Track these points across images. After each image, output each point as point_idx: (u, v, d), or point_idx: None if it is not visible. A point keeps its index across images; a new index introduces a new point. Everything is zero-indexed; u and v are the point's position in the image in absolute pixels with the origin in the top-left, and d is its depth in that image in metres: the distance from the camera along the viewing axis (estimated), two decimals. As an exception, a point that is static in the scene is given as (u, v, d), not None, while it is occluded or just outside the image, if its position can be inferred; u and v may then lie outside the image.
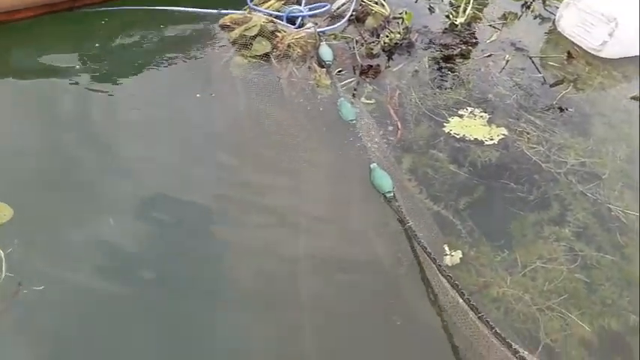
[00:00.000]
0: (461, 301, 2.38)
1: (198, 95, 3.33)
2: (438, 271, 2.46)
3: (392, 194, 2.78)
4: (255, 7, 3.97)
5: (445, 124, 3.27)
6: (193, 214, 2.73)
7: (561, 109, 3.51)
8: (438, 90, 3.54)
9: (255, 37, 3.60)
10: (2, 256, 2.32)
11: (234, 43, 3.66)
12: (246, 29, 3.65)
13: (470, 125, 3.27)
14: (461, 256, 2.64)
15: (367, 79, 3.54)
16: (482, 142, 3.19)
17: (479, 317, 2.27)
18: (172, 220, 2.70)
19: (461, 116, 3.34)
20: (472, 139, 3.19)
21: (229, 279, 2.54)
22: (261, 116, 3.20)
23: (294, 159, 2.99)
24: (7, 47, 3.54)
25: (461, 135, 3.21)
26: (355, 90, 3.48)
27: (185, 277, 2.50)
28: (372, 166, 2.91)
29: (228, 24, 3.80)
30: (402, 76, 3.61)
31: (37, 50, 3.55)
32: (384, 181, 2.83)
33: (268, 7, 3.97)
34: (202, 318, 2.36)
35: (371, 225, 2.76)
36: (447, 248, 2.65)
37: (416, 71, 3.67)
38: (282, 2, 4.00)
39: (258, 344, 2.33)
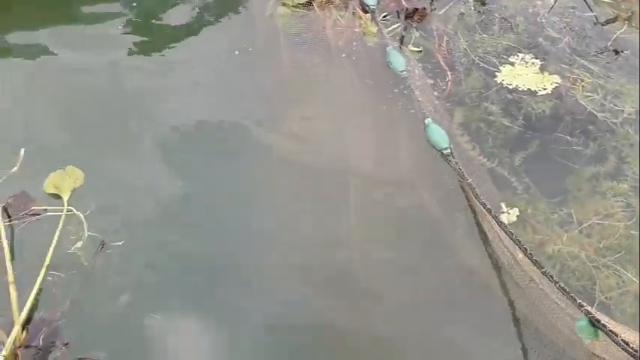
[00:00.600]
0: (521, 256, 2.35)
1: (244, 50, 3.19)
2: (498, 227, 2.42)
3: (449, 150, 2.68)
4: None
5: (497, 73, 3.12)
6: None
7: (616, 52, 3.32)
8: (485, 35, 3.35)
9: None
10: (82, 217, 2.41)
11: None
12: None
13: (522, 74, 3.11)
14: (518, 213, 2.60)
15: (413, 24, 3.37)
16: (535, 92, 3.05)
17: (542, 272, 2.23)
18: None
19: (512, 64, 3.17)
20: (525, 89, 3.05)
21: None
22: (307, 69, 3.09)
23: (341, 114, 2.90)
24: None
25: (513, 85, 3.06)
26: (403, 36, 3.32)
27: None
28: (426, 121, 2.79)
29: None
30: (448, 19, 3.41)
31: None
32: (440, 136, 2.73)
33: None
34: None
35: (426, 182, 2.71)
36: (504, 206, 2.61)
37: (462, 14, 3.47)
38: None
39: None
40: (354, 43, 3.23)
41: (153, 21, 3.45)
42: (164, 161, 2.72)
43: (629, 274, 2.48)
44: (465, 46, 3.25)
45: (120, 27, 3.34)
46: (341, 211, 2.59)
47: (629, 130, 2.93)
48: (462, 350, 2.25)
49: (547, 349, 2.23)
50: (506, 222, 2.56)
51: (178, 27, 3.41)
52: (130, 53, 3.22)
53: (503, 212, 2.59)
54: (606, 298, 2.43)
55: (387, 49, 3.13)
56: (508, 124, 2.90)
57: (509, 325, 2.34)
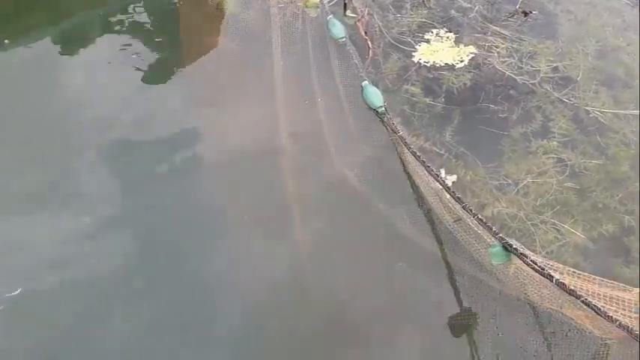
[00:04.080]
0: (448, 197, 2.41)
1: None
2: (426, 173, 2.50)
3: (383, 109, 2.81)
4: None
5: (413, 53, 3.16)
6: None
7: (525, 13, 3.41)
8: (399, 15, 3.38)
9: None
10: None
11: None
12: None
13: (438, 50, 3.16)
14: (454, 179, 2.67)
15: None
16: (453, 66, 3.10)
17: (462, 207, 2.28)
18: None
19: (428, 41, 3.22)
20: (443, 64, 3.10)
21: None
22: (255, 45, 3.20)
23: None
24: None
25: (431, 62, 3.11)
26: (345, 3, 3.40)
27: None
28: (362, 83, 2.92)
29: None
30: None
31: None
32: (375, 96, 2.84)
33: None
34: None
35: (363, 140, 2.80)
36: (443, 172, 2.67)
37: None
38: None
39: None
40: (297, 16, 3.33)
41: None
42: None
43: (566, 226, 2.57)
44: (380, 27, 3.28)
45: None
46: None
47: (548, 88, 3.02)
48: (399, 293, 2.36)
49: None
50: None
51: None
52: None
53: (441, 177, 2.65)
54: (547, 252, 2.51)
55: (328, 18, 3.24)
56: (431, 102, 2.94)
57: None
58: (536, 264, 2.03)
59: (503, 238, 2.15)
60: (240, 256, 2.47)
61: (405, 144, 2.56)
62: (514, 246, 2.12)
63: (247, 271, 2.43)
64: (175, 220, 2.59)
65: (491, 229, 2.19)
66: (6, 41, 3.24)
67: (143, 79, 3.12)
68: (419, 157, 2.46)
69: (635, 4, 3.45)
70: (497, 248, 2.16)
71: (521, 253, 2.08)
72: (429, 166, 2.43)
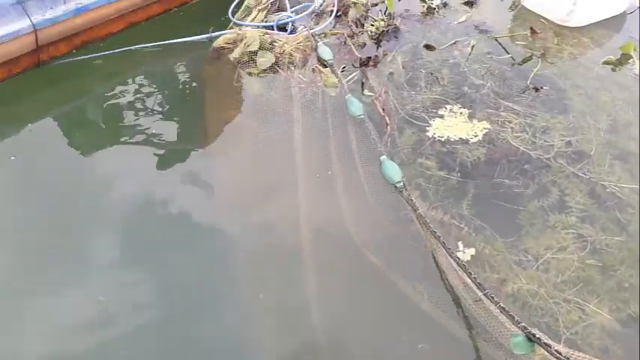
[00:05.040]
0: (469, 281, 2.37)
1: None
2: (448, 255, 2.47)
3: (402, 184, 2.82)
4: (239, 22, 3.94)
5: (427, 128, 3.21)
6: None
7: (536, 89, 3.48)
8: (414, 92, 3.47)
9: (256, 51, 3.61)
10: None
11: (238, 62, 3.64)
12: (246, 45, 3.64)
13: (452, 125, 3.22)
14: (473, 253, 2.63)
15: (368, 71, 3.64)
16: (467, 140, 3.14)
17: (484, 294, 2.24)
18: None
19: (441, 116, 3.28)
20: (457, 139, 3.15)
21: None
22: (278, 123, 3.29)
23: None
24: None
25: (445, 137, 3.16)
26: (363, 82, 3.56)
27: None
28: (381, 158, 2.96)
29: (224, 45, 3.76)
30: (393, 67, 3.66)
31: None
32: (394, 171, 2.87)
33: (253, 20, 3.95)
34: None
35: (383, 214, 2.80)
36: (461, 245, 2.64)
37: (391, 73, 3.64)
38: (265, 12, 4.01)
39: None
40: (318, 96, 3.45)
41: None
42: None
43: (591, 306, 2.50)
44: (395, 104, 3.36)
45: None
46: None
47: (563, 162, 3.03)
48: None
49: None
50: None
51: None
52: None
53: (460, 251, 2.63)
54: (571, 333, 2.43)
55: (346, 97, 3.34)
56: (446, 175, 2.96)
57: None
58: (560, 354, 1.94)
59: (526, 328, 2.08)
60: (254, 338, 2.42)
61: (425, 223, 2.54)
62: (537, 335, 2.05)
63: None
64: (192, 305, 2.56)
65: (513, 317, 2.13)
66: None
67: (163, 160, 3.19)
68: (439, 237, 2.45)
69: (643, 80, 3.53)
70: (520, 338, 2.09)
71: (545, 343, 2.01)
72: (449, 249, 2.42)
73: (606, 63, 3.67)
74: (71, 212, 2.90)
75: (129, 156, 3.25)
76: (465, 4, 4.30)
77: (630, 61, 3.67)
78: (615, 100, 3.42)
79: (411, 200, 2.73)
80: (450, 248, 2.48)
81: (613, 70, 3.63)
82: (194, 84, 3.73)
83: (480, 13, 4.22)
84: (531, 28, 3.96)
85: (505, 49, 3.85)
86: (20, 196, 2.98)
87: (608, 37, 3.94)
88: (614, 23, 4.03)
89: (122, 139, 3.33)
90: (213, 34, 3.88)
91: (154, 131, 3.37)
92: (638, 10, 4.12)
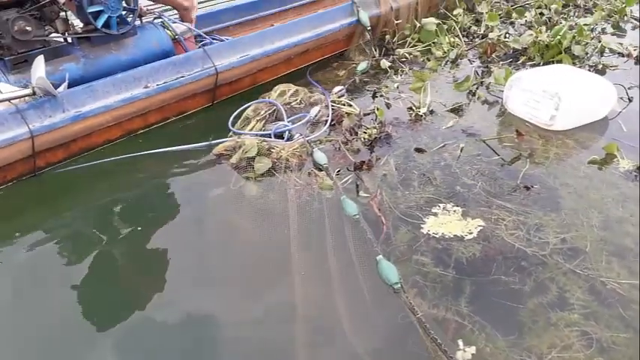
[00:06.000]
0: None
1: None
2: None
3: (399, 285, 2.78)
4: (238, 131, 4.21)
5: (422, 225, 3.25)
6: None
7: (527, 188, 3.57)
8: (407, 192, 3.56)
9: (254, 157, 3.82)
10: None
11: (236, 167, 3.85)
12: (244, 152, 3.87)
13: (446, 222, 3.26)
14: (474, 352, 2.53)
15: (363, 174, 3.79)
16: (462, 237, 3.16)
17: None
18: None
19: (435, 214, 3.33)
20: (452, 236, 3.17)
21: None
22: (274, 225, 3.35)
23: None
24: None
25: (440, 234, 3.18)
26: (357, 185, 3.70)
27: None
28: (377, 258, 2.94)
29: (223, 152, 4.00)
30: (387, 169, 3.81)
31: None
32: (390, 272, 2.83)
33: (251, 129, 4.23)
34: None
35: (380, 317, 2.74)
36: (461, 343, 2.55)
37: (384, 175, 3.76)
38: (263, 121, 4.31)
39: None
40: (314, 198, 3.57)
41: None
42: None
43: (604, 412, 2.36)
44: (389, 203, 3.43)
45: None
46: None
47: (559, 259, 3.02)
48: None
49: None
50: (461, 359, 2.50)
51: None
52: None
53: (460, 349, 2.53)
54: None
55: (341, 198, 3.43)
56: (442, 272, 2.94)
57: None
58: None
59: None
60: None
61: (425, 329, 2.51)
62: None
63: None
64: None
65: None
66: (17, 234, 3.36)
67: (157, 267, 3.18)
68: (440, 344, 2.42)
69: (630, 178, 3.62)
70: None
71: None
72: (451, 357, 2.38)
73: (592, 162, 3.80)
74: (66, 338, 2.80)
75: (126, 275, 3.18)
76: (451, 111, 4.56)
77: (615, 160, 3.80)
78: (605, 197, 3.48)
79: (411, 303, 2.70)
80: (452, 357, 2.43)
81: (599, 169, 3.74)
82: (194, 189, 3.80)
83: (467, 119, 4.46)
84: (517, 131, 4.15)
85: (494, 151, 4.00)
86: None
87: (592, 139, 4.10)
88: (597, 127, 4.22)
89: (115, 253, 3.29)
90: (212, 141, 4.09)
91: (154, 240, 3.37)
92: (619, 116, 4.34)
